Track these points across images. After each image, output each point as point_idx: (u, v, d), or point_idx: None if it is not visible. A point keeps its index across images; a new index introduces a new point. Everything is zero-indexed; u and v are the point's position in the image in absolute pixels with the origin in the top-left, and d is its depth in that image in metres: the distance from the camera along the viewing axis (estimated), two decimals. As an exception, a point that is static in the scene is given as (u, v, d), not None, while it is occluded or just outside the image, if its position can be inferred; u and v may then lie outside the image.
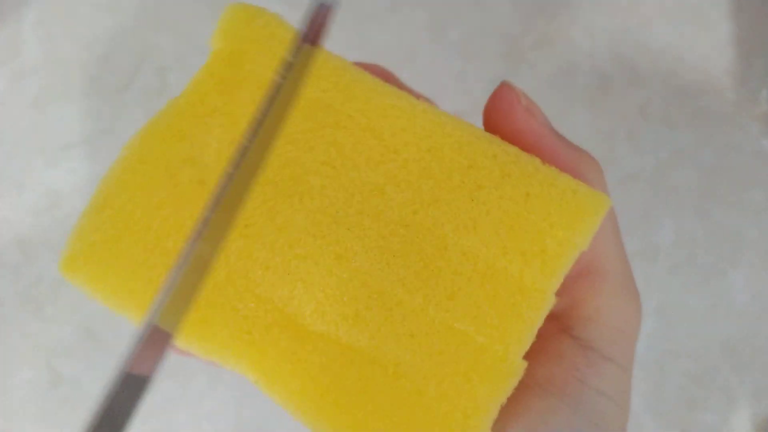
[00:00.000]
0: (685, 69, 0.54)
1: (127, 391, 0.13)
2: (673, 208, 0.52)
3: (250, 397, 0.50)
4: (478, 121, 0.58)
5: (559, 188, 0.17)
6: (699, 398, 0.49)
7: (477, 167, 0.17)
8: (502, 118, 0.19)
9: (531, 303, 0.17)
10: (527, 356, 0.18)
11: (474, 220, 0.17)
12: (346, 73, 0.19)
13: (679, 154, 0.53)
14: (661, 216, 0.52)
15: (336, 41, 0.58)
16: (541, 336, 0.19)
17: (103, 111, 0.53)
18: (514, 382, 0.17)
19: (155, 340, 0.13)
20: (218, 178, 0.17)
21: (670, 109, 0.53)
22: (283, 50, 0.19)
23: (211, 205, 0.14)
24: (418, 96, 0.21)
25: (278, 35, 0.20)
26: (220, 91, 0.18)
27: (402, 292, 0.17)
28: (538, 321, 0.17)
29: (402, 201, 0.17)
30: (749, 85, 0.54)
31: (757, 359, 0.50)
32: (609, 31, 0.55)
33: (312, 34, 0.16)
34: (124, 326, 0.50)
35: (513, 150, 0.18)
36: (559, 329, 0.19)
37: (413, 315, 0.16)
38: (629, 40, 0.55)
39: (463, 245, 0.17)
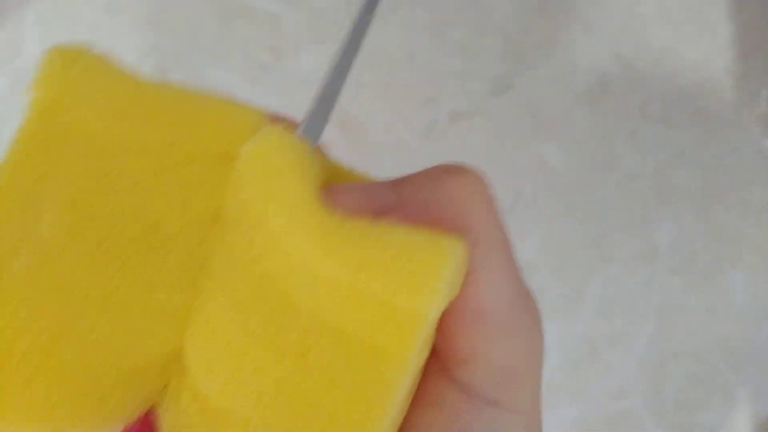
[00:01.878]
0: (685, 69, 0.54)
1: None
2: (673, 208, 0.52)
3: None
4: (479, 122, 0.58)
5: (390, 252, 0.15)
6: (699, 398, 0.49)
7: (303, 224, 0.16)
8: None
9: (391, 366, 0.15)
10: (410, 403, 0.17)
11: (311, 280, 0.15)
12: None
13: (679, 154, 0.53)
14: (661, 216, 0.52)
15: (337, 41, 0.58)
16: (423, 378, 0.17)
17: (103, 111, 0.53)
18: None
19: None
20: (60, 243, 0.15)
21: (670, 109, 0.53)
22: (104, 97, 0.17)
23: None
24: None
25: (98, 80, 0.17)
26: (43, 151, 0.16)
27: (251, 344, 0.16)
28: (402, 384, 0.15)
29: (233, 252, 0.16)
30: (749, 85, 0.54)
31: (757, 359, 0.50)
32: (609, 31, 0.55)
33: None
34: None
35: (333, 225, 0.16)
36: (439, 369, 0.17)
37: (265, 373, 0.15)
38: (629, 40, 0.55)
39: (307, 306, 0.15)
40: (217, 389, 0.15)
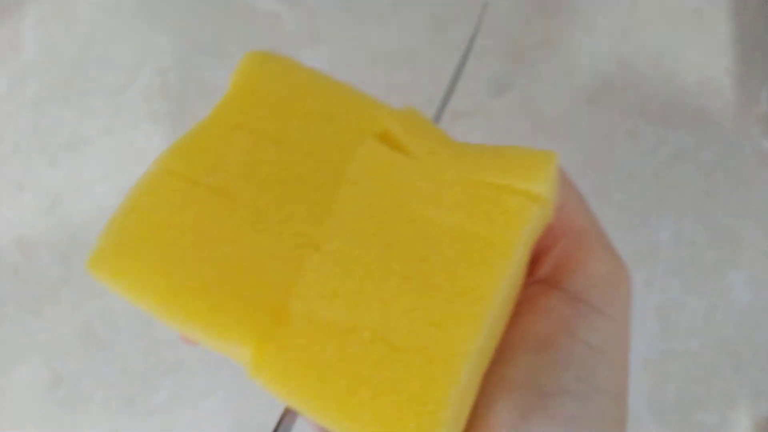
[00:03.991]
0: (685, 69, 0.54)
1: None
2: (673, 208, 0.52)
3: (250, 397, 0.50)
4: (479, 122, 0.58)
5: (506, 154, 0.19)
6: (699, 398, 0.49)
7: (431, 152, 0.20)
8: None
9: (501, 254, 0.18)
10: (516, 316, 0.19)
11: (436, 194, 0.19)
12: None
13: (679, 154, 0.53)
14: (661, 216, 0.52)
15: (337, 41, 0.58)
16: (531, 295, 0.20)
17: (103, 111, 0.53)
18: (488, 323, 0.18)
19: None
20: (237, 182, 0.20)
21: (670, 109, 0.53)
22: (295, 78, 0.22)
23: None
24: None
25: (290, 66, 0.22)
26: (239, 111, 0.21)
27: (373, 262, 0.18)
28: (510, 270, 0.18)
29: (367, 187, 0.20)
30: (749, 85, 0.54)
31: (757, 359, 0.50)
32: (609, 31, 0.55)
33: None
34: (124, 326, 0.50)
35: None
36: (548, 287, 0.20)
37: (384, 281, 0.18)
38: (629, 40, 0.55)
39: (430, 216, 0.19)
40: (344, 309, 0.18)
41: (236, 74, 0.22)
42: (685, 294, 0.51)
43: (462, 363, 0.17)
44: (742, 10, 0.55)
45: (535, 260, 0.21)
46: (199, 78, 0.53)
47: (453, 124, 0.53)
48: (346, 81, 0.22)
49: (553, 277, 0.20)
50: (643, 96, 0.54)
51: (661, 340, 0.50)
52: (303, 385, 0.17)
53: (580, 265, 0.19)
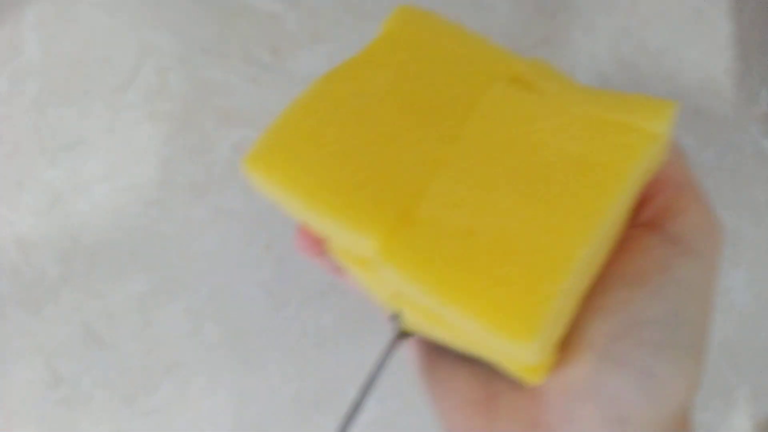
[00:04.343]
0: (685, 69, 0.54)
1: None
2: (673, 208, 0.52)
3: (249, 398, 0.50)
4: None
5: (630, 97, 0.22)
6: (699, 398, 0.49)
7: (558, 92, 0.22)
8: None
9: (616, 180, 0.20)
10: (616, 254, 0.21)
11: (561, 126, 0.21)
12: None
13: (679, 154, 0.53)
14: (661, 216, 0.52)
15: (337, 41, 0.58)
16: (631, 237, 0.21)
17: (103, 111, 0.53)
18: (598, 236, 0.19)
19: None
20: (379, 106, 0.23)
21: (670, 109, 0.53)
22: (438, 29, 0.24)
23: None
24: None
25: (434, 19, 0.25)
26: (386, 52, 0.24)
27: (496, 179, 0.21)
28: (623, 196, 0.20)
29: (496, 118, 0.22)
30: (749, 85, 0.54)
31: (757, 359, 0.50)
32: (609, 31, 0.55)
33: None
34: (124, 326, 0.50)
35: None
36: (648, 230, 0.21)
37: (505, 195, 0.20)
38: (629, 40, 0.55)
39: (553, 144, 0.21)
40: (466, 216, 0.20)
41: (386, 23, 0.25)
42: (685, 294, 0.51)
43: (571, 264, 0.19)
44: (742, 10, 0.55)
45: (638, 206, 0.22)
46: (199, 78, 0.53)
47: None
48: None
49: (654, 221, 0.21)
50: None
51: (661, 340, 0.50)
52: (424, 272, 0.19)
53: (680, 212, 0.21)
